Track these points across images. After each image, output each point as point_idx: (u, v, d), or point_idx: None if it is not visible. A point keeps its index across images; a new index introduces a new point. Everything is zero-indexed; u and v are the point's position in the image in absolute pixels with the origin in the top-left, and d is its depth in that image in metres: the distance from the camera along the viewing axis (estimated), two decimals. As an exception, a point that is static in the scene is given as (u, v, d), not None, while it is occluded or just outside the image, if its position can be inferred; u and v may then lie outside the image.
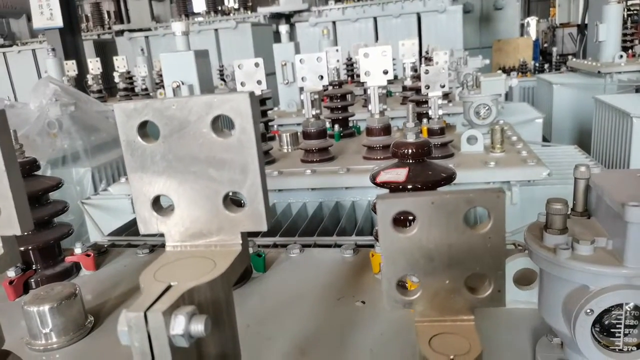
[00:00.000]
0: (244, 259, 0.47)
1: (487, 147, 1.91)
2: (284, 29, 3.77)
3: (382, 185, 0.88)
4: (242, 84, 2.06)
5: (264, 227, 0.46)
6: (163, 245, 0.55)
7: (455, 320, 0.41)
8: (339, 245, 1.57)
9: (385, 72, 1.89)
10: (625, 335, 0.56)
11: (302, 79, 2.00)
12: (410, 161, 0.89)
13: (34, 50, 9.62)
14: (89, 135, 3.71)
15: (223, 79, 6.29)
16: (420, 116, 2.48)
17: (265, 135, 2.08)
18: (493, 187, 0.41)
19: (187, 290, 0.39)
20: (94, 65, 5.37)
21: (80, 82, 5.55)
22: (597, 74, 4.39)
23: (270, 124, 2.94)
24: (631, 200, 0.53)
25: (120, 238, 1.75)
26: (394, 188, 0.88)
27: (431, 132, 1.88)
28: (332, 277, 1.07)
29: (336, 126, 2.44)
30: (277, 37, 7.87)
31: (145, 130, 0.46)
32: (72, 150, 3.45)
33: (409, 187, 0.86)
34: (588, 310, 0.54)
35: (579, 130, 4.23)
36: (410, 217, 0.43)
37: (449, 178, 0.88)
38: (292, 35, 8.34)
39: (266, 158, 2.06)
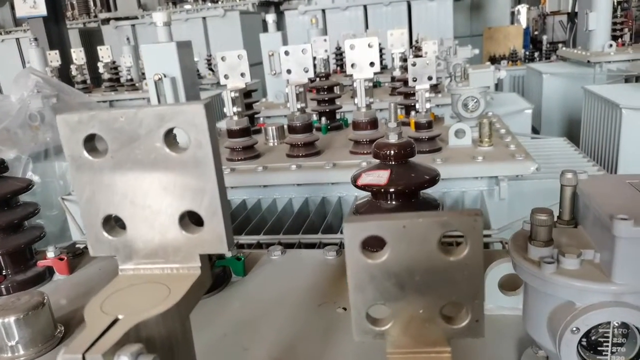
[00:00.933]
0: (204, 283, 0.43)
1: (475, 141, 1.88)
2: (270, 18, 3.70)
3: (364, 188, 0.85)
4: (226, 76, 2.01)
5: (224, 249, 0.42)
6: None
7: (430, 352, 0.38)
8: (325, 244, 1.55)
9: (372, 65, 1.85)
10: (612, 353, 0.53)
11: (287, 71, 1.95)
12: (392, 163, 0.85)
13: (18, 40, 9.44)
14: (73, 127, 3.63)
15: (211, 69, 6.20)
16: (408, 109, 2.45)
17: (249, 129, 2.03)
18: (470, 209, 0.37)
19: (134, 325, 0.36)
20: (77, 56, 5.26)
21: (65, 72, 5.43)
22: (587, 63, 4.36)
23: (257, 116, 2.90)
24: (620, 212, 0.50)
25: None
26: (376, 191, 0.84)
27: (418, 126, 1.84)
28: (314, 280, 1.03)
29: (323, 119, 2.40)
30: (266, 26, 7.77)
31: (93, 144, 0.42)
32: (55, 144, 3.37)
33: (391, 190, 0.82)
34: (574, 329, 0.51)
35: (569, 121, 4.21)
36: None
37: (433, 180, 0.84)
38: (281, 24, 8.24)
39: (251, 153, 2.01)
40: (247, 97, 2.62)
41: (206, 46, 8.13)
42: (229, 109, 1.97)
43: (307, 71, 1.93)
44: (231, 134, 2.00)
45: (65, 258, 1.15)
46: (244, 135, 2.01)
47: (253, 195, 1.98)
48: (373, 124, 1.90)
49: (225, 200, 0.42)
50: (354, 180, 0.87)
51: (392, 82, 3.45)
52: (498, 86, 4.94)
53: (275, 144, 2.25)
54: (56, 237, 3.12)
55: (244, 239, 1.60)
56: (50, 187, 3.27)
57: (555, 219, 0.65)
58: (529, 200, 1.75)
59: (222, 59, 2.00)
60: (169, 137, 0.40)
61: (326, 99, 2.44)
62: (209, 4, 8.62)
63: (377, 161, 0.89)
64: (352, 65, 1.85)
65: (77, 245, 1.76)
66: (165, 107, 0.39)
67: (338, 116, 2.52)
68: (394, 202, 0.84)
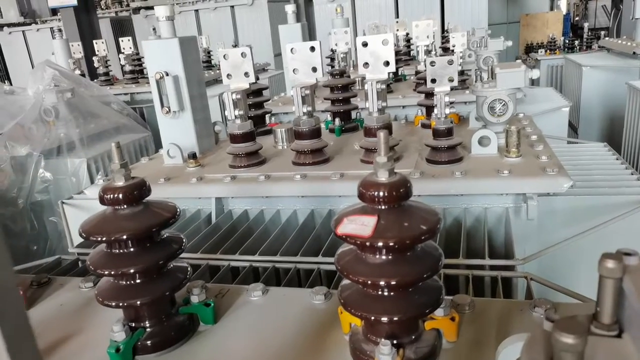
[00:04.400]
0: None
1: (502, 149, 1.67)
2: (290, 8, 3.51)
3: (344, 239, 0.68)
4: (228, 76, 1.85)
5: None
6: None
7: None
8: (324, 270, 1.38)
9: (387, 64, 1.66)
10: None
11: (294, 71, 1.78)
12: (382, 207, 0.68)
13: (52, 29, 9.56)
14: (88, 122, 3.55)
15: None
16: (429, 109, 2.24)
17: (253, 133, 1.87)
18: None
19: None
20: (99, 47, 5.18)
21: (93, 64, 5.35)
22: (632, 55, 4.02)
23: (270, 114, 2.73)
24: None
25: (88, 251, 1.59)
26: (361, 244, 0.67)
27: (437, 134, 1.64)
28: (295, 333, 0.87)
29: (337, 120, 2.22)
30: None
31: None
32: (68, 140, 3.29)
33: (379, 244, 0.65)
34: None
35: (611, 119, 3.89)
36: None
37: (431, 231, 0.66)
38: (310, 13, 8.01)
39: (254, 159, 1.85)
40: (257, 95, 2.46)
41: (234, 35, 8.02)
42: (230, 112, 1.82)
43: (315, 71, 1.75)
44: (233, 138, 1.85)
45: (23, 291, 1.02)
46: (247, 140, 1.85)
47: (256, 206, 1.83)
48: (386, 129, 1.71)
49: None
50: (334, 226, 0.70)
51: (416, 76, 3.23)
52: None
53: (285, 147, 2.09)
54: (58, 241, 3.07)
55: (236, 260, 1.45)
56: (62, 184, 3.19)
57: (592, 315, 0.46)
58: (561, 220, 1.53)
59: (225, 57, 1.85)
60: None
61: (340, 98, 2.26)
62: (238, -8, 8.47)
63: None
64: (365, 65, 1.67)
65: (63, 258, 1.65)
66: None
67: (354, 115, 2.33)
68: (383, 257, 0.67)
